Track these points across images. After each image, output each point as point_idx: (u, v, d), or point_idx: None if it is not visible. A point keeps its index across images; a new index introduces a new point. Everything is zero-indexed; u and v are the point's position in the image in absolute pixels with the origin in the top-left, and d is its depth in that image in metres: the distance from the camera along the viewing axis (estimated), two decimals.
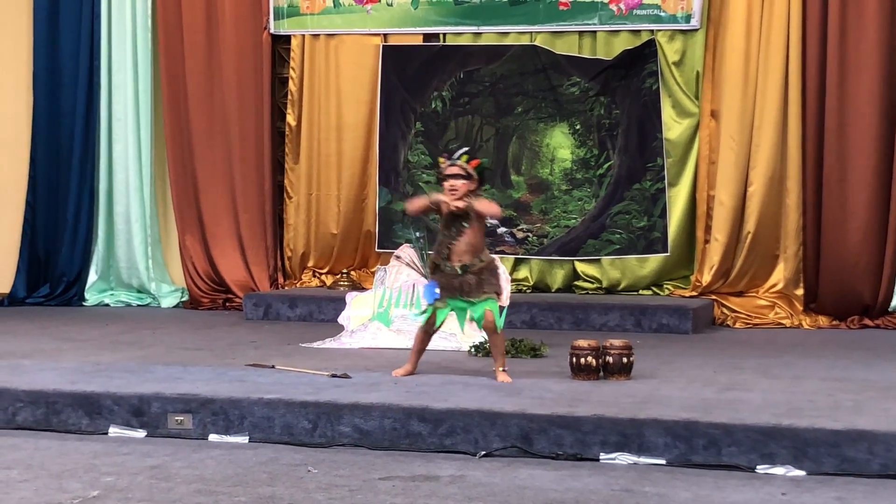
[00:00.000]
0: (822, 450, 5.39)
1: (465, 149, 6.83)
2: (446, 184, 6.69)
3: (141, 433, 6.16)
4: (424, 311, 6.83)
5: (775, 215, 10.01)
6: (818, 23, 9.79)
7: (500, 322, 6.74)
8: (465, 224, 6.67)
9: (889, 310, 9.80)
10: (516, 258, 10.49)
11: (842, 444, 5.38)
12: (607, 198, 10.36)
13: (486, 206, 6.73)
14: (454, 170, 6.67)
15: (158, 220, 11.31)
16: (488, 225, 10.29)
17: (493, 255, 6.93)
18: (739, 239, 10.06)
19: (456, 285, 6.67)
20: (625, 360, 6.85)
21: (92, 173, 11.25)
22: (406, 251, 8.86)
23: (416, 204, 6.82)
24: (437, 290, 6.72)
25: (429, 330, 6.82)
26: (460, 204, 6.60)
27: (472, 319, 6.75)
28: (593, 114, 10.40)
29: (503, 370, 6.72)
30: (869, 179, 9.75)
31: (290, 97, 10.98)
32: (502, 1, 10.47)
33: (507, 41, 10.56)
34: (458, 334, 7.77)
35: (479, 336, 7.80)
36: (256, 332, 9.19)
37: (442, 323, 6.83)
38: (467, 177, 6.65)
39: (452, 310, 6.74)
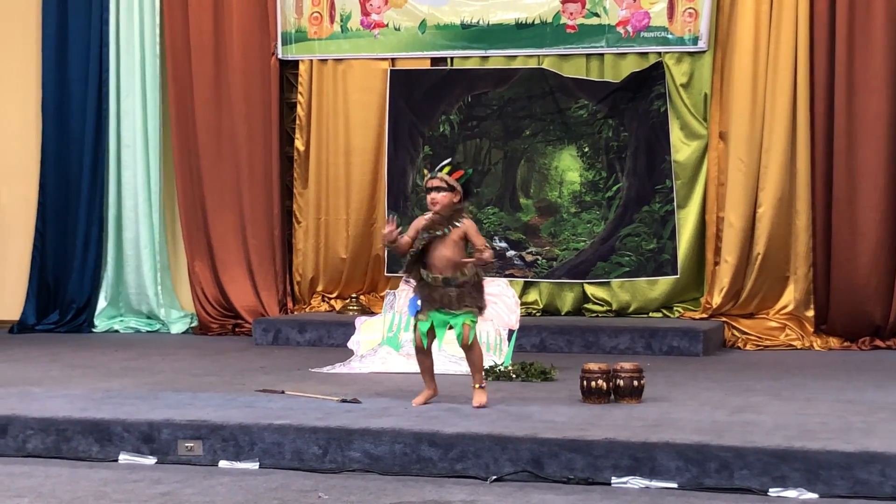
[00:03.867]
0: (834, 472, 5.36)
1: (448, 160, 6.74)
2: (429, 196, 6.64)
3: (151, 460, 6.15)
4: (415, 328, 6.71)
5: (785, 237, 9.99)
6: (826, 44, 9.80)
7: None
8: (446, 230, 6.54)
9: None
10: (526, 281, 10.48)
11: (854, 467, 5.35)
12: (616, 220, 10.36)
13: (478, 240, 6.59)
14: (435, 182, 6.59)
15: (167, 246, 11.33)
16: (496, 248, 10.31)
17: (502, 280, 6.83)
18: (749, 260, 10.04)
19: (437, 297, 6.57)
20: (635, 383, 6.83)
21: (101, 200, 11.27)
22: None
23: (401, 248, 6.68)
24: (419, 303, 6.64)
25: (421, 348, 6.70)
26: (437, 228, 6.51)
27: (455, 333, 6.62)
28: (601, 136, 10.40)
29: (480, 387, 6.60)
30: (878, 200, 9.74)
31: (298, 122, 11.00)
32: (509, 24, 10.49)
33: (515, 64, 10.57)
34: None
35: (488, 359, 7.79)
36: (266, 358, 9.18)
37: (429, 336, 6.63)
38: (449, 189, 6.58)
39: (433, 322, 6.60)
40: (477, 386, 6.64)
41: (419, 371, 6.80)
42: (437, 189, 6.60)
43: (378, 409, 6.51)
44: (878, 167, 9.72)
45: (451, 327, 6.63)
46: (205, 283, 11.07)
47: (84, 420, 6.30)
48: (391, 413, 6.40)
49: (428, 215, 6.65)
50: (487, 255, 6.56)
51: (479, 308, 6.64)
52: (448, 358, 7.90)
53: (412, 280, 6.71)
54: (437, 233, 6.57)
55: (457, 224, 6.59)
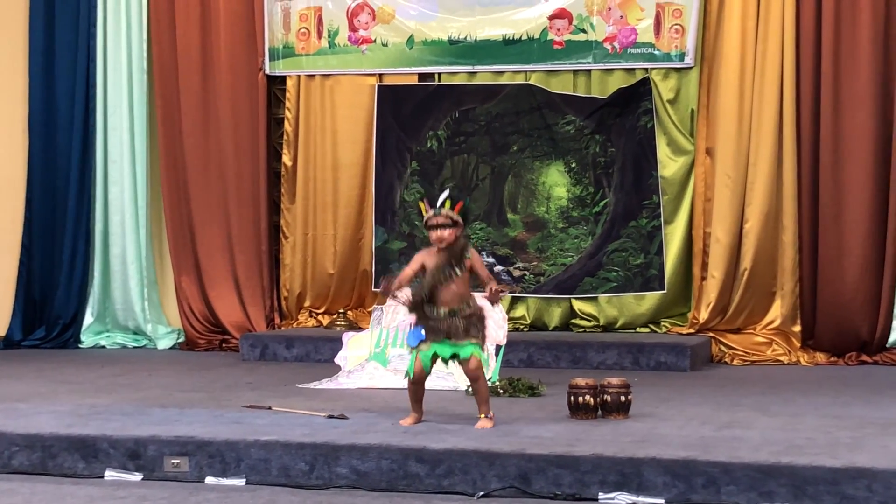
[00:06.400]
0: (821, 487, 5.37)
1: (446, 194, 6.58)
2: (434, 234, 6.52)
3: (137, 476, 6.13)
4: (408, 365, 6.65)
5: (771, 252, 10.01)
6: (812, 60, 9.83)
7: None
8: (458, 272, 6.49)
9: (887, 346, 9.78)
10: (513, 297, 10.48)
11: (841, 482, 5.35)
12: (603, 235, 10.37)
13: (484, 273, 6.58)
14: (440, 220, 6.48)
15: (154, 262, 11.30)
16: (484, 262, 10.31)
17: (486, 304, 6.77)
18: (736, 276, 10.06)
19: (443, 328, 6.50)
20: (623, 398, 6.83)
21: (88, 215, 11.25)
22: (403, 291, 8.83)
23: (403, 280, 6.61)
24: (423, 333, 6.56)
25: (417, 381, 6.61)
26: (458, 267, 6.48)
27: (459, 362, 6.57)
28: (589, 152, 10.42)
29: (487, 417, 6.54)
30: (865, 215, 9.76)
31: (285, 137, 11.00)
32: (497, 40, 10.51)
33: (502, 80, 10.59)
34: (455, 373, 7.73)
35: None
36: (253, 373, 9.16)
37: (430, 368, 6.60)
38: (454, 224, 6.50)
39: (435, 353, 6.54)
40: (483, 416, 6.57)
41: (408, 396, 6.71)
42: (442, 226, 6.49)
43: (365, 425, 6.50)
44: (864, 183, 9.75)
45: (455, 356, 6.55)
46: (192, 298, 11.05)
47: (70, 436, 6.28)
48: (378, 429, 6.39)
49: (433, 251, 6.56)
50: (496, 290, 6.52)
51: (482, 341, 6.60)
52: (435, 374, 7.87)
53: (403, 301, 6.67)
54: (455, 272, 6.48)
55: (467, 257, 6.54)
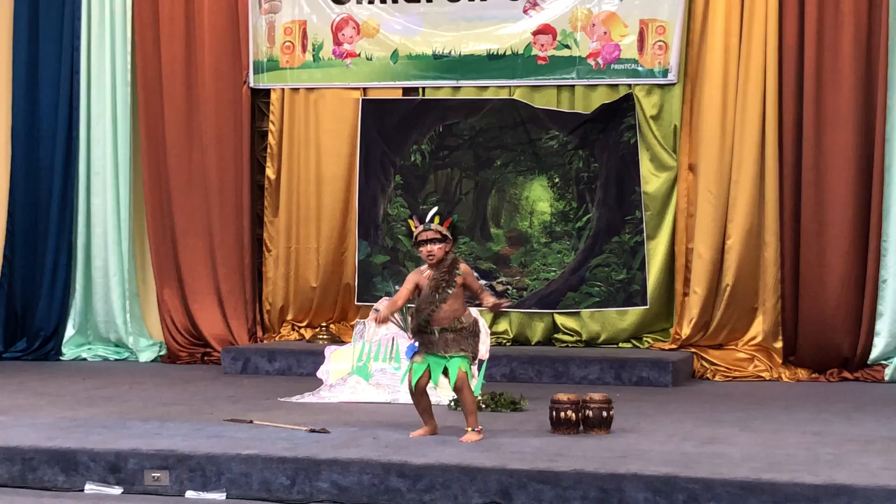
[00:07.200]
0: None
1: (435, 209, 6.66)
2: (423, 250, 6.58)
3: (117, 490, 6.10)
4: (406, 371, 6.73)
5: (753, 268, 10.04)
6: (794, 77, 9.88)
7: (477, 388, 6.66)
8: (449, 291, 6.55)
9: (868, 362, 9.81)
10: (498, 312, 10.46)
11: (821, 499, 5.36)
12: (586, 250, 10.38)
13: (476, 285, 6.66)
14: (429, 234, 6.55)
15: (136, 274, 11.27)
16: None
17: (477, 317, 6.79)
18: (718, 292, 10.08)
19: (434, 342, 6.59)
20: (605, 413, 6.84)
21: (70, 227, 11.22)
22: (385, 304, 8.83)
23: (398, 302, 6.67)
24: (416, 345, 6.68)
25: (416, 390, 6.66)
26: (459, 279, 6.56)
27: (445, 375, 6.64)
28: (572, 167, 10.44)
29: (474, 430, 6.57)
30: (846, 232, 9.80)
31: (269, 150, 10.99)
32: (481, 55, 10.53)
33: (486, 95, 10.61)
34: (437, 388, 7.74)
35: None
36: (235, 387, 9.14)
37: (425, 378, 6.64)
38: (443, 239, 6.56)
39: (429, 365, 6.62)
40: (470, 429, 6.59)
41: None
42: (432, 241, 6.55)
43: (347, 440, 6.49)
44: (846, 200, 9.78)
45: (445, 370, 6.61)
46: (174, 311, 11.03)
47: (50, 449, 6.26)
48: (360, 443, 6.38)
49: (425, 270, 6.62)
50: (492, 302, 6.59)
51: (473, 354, 6.62)
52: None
53: (401, 321, 6.74)
54: (448, 293, 6.52)
55: (457, 273, 6.58)
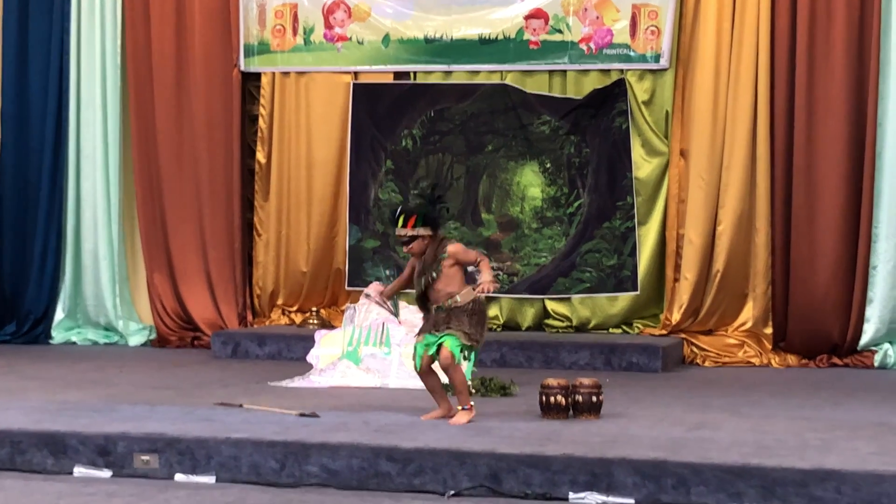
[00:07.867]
0: (790, 489, 5.39)
1: (399, 210, 6.83)
2: (405, 248, 6.81)
3: (106, 473, 6.10)
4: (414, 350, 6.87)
5: (744, 254, 10.04)
6: (786, 63, 9.87)
7: (468, 373, 6.73)
8: (434, 275, 6.67)
9: (857, 349, 9.82)
10: (487, 297, 10.45)
11: (810, 484, 5.38)
12: (577, 236, 10.38)
13: (470, 256, 6.78)
14: (401, 236, 6.76)
15: (126, 258, 11.25)
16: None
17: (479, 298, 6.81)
18: (709, 278, 10.09)
19: (431, 321, 6.72)
20: (594, 398, 6.85)
21: (60, 210, 11.19)
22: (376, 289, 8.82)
23: (397, 285, 6.99)
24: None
25: (421, 370, 6.75)
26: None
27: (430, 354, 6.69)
28: (563, 152, 10.42)
29: (463, 409, 6.61)
30: (837, 219, 9.81)
31: (259, 134, 10.96)
32: (473, 40, 10.50)
33: (478, 80, 10.59)
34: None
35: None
36: (225, 371, 9.13)
37: (427, 357, 6.69)
38: (416, 236, 6.69)
39: (427, 344, 6.70)
40: (461, 407, 6.65)
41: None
42: (409, 239, 6.74)
43: (336, 424, 6.49)
44: (836, 186, 9.79)
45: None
46: (164, 295, 11.00)
47: (39, 432, 6.25)
48: (349, 427, 6.38)
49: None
50: (487, 278, 6.64)
51: (464, 332, 6.63)
52: (409, 373, 7.88)
53: (382, 301, 6.91)
54: (431, 276, 6.66)
55: (443, 257, 6.68)
